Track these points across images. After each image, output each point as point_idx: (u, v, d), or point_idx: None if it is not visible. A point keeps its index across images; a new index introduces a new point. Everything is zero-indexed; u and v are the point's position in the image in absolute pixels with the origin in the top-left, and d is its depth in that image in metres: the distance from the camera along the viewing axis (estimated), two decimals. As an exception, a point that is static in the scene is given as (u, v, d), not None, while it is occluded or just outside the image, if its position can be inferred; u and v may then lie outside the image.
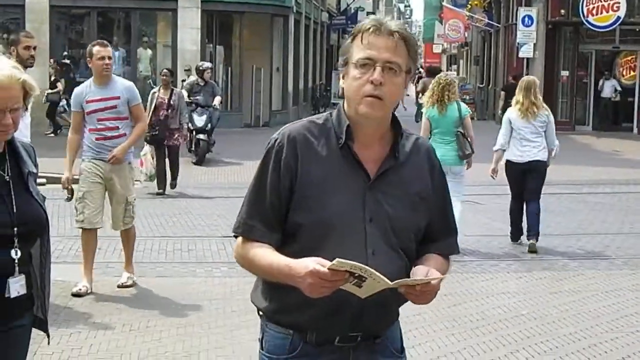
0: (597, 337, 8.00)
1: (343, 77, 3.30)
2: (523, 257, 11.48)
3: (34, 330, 4.16)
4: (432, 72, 27.31)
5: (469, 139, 11.73)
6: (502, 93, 32.07)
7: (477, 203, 16.01)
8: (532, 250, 11.63)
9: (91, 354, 7.29)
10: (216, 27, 32.21)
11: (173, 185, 16.48)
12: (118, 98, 9.15)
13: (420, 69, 43.07)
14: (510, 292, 9.57)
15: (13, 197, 3.86)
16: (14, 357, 4.02)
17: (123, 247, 9.56)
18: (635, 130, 33.63)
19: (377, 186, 3.27)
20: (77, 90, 9.40)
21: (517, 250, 11.88)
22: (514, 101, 12.07)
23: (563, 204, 16.24)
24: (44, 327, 4.15)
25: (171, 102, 16.24)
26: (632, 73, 34.49)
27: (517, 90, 12.06)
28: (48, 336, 4.22)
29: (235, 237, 3.37)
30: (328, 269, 2.97)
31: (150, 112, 15.58)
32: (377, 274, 2.99)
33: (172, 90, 16.64)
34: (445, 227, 3.48)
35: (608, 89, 32.71)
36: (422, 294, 3.14)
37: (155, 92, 16.49)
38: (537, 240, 11.79)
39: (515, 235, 12.29)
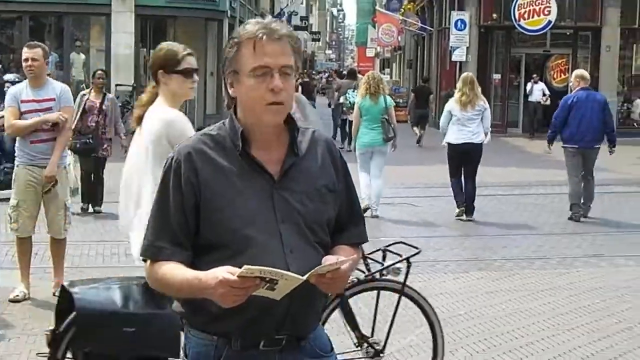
0: (534, 336, 8.12)
1: (231, 85, 3.26)
2: (460, 257, 11.61)
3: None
4: (351, 74, 29.10)
5: (392, 126, 14.27)
6: (412, 95, 32.64)
7: (414, 205, 16.16)
8: (464, 219, 14.23)
9: (31, 359, 7.23)
10: (150, 32, 32.06)
11: (98, 211, 14.36)
12: (53, 100, 9.04)
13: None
14: (447, 292, 9.66)
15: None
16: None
17: (55, 256, 9.32)
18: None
19: (283, 185, 3.26)
20: (12, 89, 9.27)
21: (453, 251, 12.00)
22: (457, 92, 14.29)
23: (496, 205, 16.42)
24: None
25: (103, 107, 14.27)
26: (562, 76, 34.94)
27: (459, 84, 14.38)
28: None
29: (144, 261, 3.32)
30: (237, 276, 2.94)
31: (77, 117, 13.58)
32: (288, 273, 2.98)
33: (105, 94, 14.62)
34: (352, 216, 3.48)
35: (537, 92, 33.08)
36: (332, 281, 3.12)
37: (85, 95, 14.39)
38: (472, 215, 14.21)
39: (460, 203, 14.42)
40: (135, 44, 29.92)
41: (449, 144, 14.24)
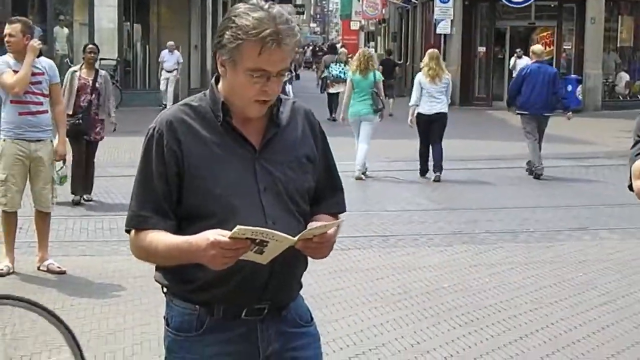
0: (518, 309, 8.16)
1: (222, 65, 3.24)
2: (443, 231, 11.65)
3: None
4: (331, 48, 32.57)
5: (380, 97, 15.92)
6: (380, 67, 32.89)
7: (397, 179, 16.20)
8: (437, 180, 15.60)
9: (14, 333, 7.23)
10: (133, 5, 31.89)
11: (88, 198, 13.11)
12: (43, 74, 9.04)
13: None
14: (431, 265, 9.70)
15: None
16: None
17: (39, 230, 9.27)
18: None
19: (264, 156, 3.29)
20: (0, 58, 9.19)
21: (436, 225, 12.04)
22: (423, 67, 15.99)
23: (481, 178, 16.46)
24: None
25: (96, 85, 12.91)
26: (548, 49, 34.95)
27: (425, 60, 16.06)
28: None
29: (128, 231, 3.34)
30: (229, 237, 2.98)
31: (70, 96, 12.55)
32: (279, 233, 3.02)
33: (97, 71, 13.20)
34: (331, 186, 3.51)
35: (520, 67, 33.09)
36: (319, 246, 3.16)
37: (75, 72, 12.98)
38: (440, 173, 15.65)
39: (423, 171, 16.10)
40: (119, 17, 29.76)
41: (420, 113, 15.88)
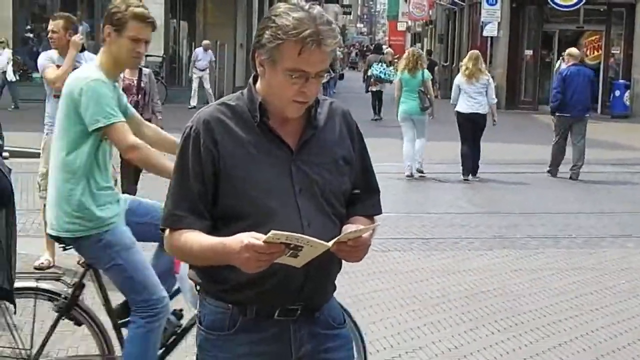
0: (558, 315, 8.07)
1: (261, 65, 3.22)
2: (484, 235, 11.56)
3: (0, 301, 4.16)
4: (377, 48, 32.58)
5: (428, 97, 16.20)
6: None
7: (441, 182, 16.14)
8: (467, 180, 16.03)
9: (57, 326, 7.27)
10: (180, 2, 32.07)
11: (133, 191, 12.30)
12: None
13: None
14: (471, 269, 9.63)
15: (-23, 167, 3.85)
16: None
17: None
18: (599, 110, 33.71)
19: (301, 157, 3.26)
20: (45, 53, 9.25)
21: (478, 228, 11.96)
22: (462, 67, 16.50)
23: (524, 182, 16.35)
24: (10, 297, 4.15)
25: (142, 85, 12.29)
26: (596, 53, 34.68)
27: (464, 60, 16.68)
28: (15, 306, 4.22)
29: (163, 230, 3.32)
30: (264, 241, 2.95)
31: None
32: (313, 239, 2.99)
33: (141, 70, 12.43)
34: (368, 188, 3.48)
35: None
36: (354, 250, 3.13)
37: None
38: (476, 174, 16.16)
39: (466, 171, 16.16)
40: (166, 14, 29.90)
41: (458, 112, 16.25)
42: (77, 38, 9.02)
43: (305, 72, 3.14)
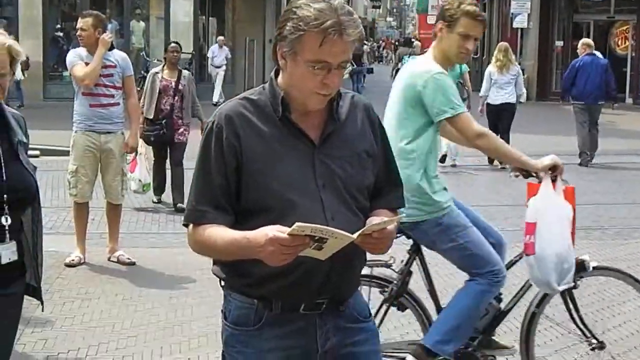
0: (588, 307, 8.01)
1: (282, 57, 3.22)
2: (515, 227, 11.48)
3: (28, 298, 4.18)
4: (406, 42, 34.01)
5: (466, 88, 16.40)
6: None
7: (472, 174, 16.09)
8: (503, 167, 15.48)
9: (84, 323, 7.32)
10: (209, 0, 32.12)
11: (178, 208, 11.64)
12: (115, 67, 9.13)
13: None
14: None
15: (3, 165, 3.87)
16: (6, 323, 4.03)
17: (110, 222, 9.41)
18: (630, 100, 33.49)
19: (323, 151, 3.26)
20: (74, 50, 9.33)
21: (508, 221, 11.90)
22: (493, 59, 17.07)
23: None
24: (37, 294, 4.17)
25: (179, 87, 11.98)
26: (626, 43, 34.44)
27: (495, 52, 17.16)
28: (42, 303, 4.24)
29: (186, 226, 3.32)
30: (288, 234, 2.95)
31: (151, 99, 11.89)
32: (338, 231, 2.98)
33: (180, 71, 12.24)
34: (391, 181, 3.48)
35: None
36: (378, 241, 3.13)
37: (157, 73, 12.09)
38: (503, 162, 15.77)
39: (491, 159, 16.29)
40: (195, 11, 29.99)
41: (488, 104, 16.88)
42: (106, 36, 9.07)
43: (328, 62, 3.13)
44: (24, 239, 4.02)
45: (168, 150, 12.17)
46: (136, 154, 11.08)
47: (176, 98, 11.94)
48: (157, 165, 12.39)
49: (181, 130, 11.94)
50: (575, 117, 17.67)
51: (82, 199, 9.15)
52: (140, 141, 11.25)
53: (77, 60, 9.08)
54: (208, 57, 29.53)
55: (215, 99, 27.82)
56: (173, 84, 11.96)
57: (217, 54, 29.03)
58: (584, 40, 18.84)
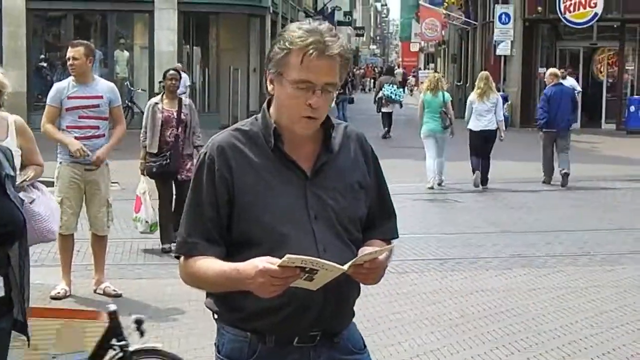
0: (578, 334, 8.01)
1: (271, 82, 3.23)
2: (502, 254, 11.50)
3: (15, 333, 4.13)
4: (389, 70, 33.85)
5: (449, 116, 17.42)
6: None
7: (457, 201, 16.09)
8: (477, 186, 17.22)
9: (70, 357, 7.25)
10: (193, 28, 32.15)
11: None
12: (101, 97, 9.07)
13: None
14: (489, 289, 9.57)
15: (-11, 199, 3.84)
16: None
17: (96, 253, 9.31)
18: (613, 127, 33.51)
19: (316, 182, 3.24)
20: (58, 85, 9.27)
21: (495, 248, 11.90)
22: (475, 87, 17.96)
23: (542, 200, 16.30)
24: (24, 330, 4.13)
25: (182, 117, 11.14)
26: (610, 70, 34.58)
27: (477, 82, 17.94)
28: (28, 339, 4.20)
29: (177, 257, 3.30)
30: (279, 265, 2.93)
31: (153, 133, 11.01)
32: (329, 262, 2.96)
33: (181, 100, 11.40)
34: (384, 212, 3.46)
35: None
36: (370, 272, 3.10)
37: (157, 104, 11.19)
38: (486, 184, 17.35)
39: (475, 170, 17.36)
40: (179, 40, 30.01)
41: (470, 130, 17.52)
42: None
43: (311, 83, 3.12)
44: (11, 273, 3.97)
45: (173, 186, 11.27)
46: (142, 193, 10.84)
47: (179, 129, 11.09)
48: (161, 202, 11.34)
49: (188, 166, 10.90)
50: (542, 143, 18.27)
51: (67, 231, 9.08)
52: (143, 178, 11.00)
53: (52, 102, 9.05)
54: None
55: None
56: (175, 114, 11.14)
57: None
58: (552, 70, 19.64)
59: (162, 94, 11.44)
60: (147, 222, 11.01)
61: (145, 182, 11.06)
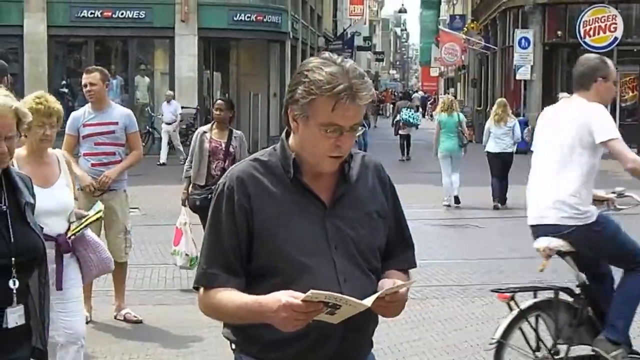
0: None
1: (294, 120, 3.19)
2: (524, 280, 11.41)
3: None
4: (405, 95, 36.96)
5: (465, 135, 18.76)
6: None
7: (478, 227, 16.02)
8: (496, 208, 17.84)
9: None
10: (213, 54, 32.33)
11: None
12: (116, 124, 9.10)
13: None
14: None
15: (10, 227, 3.84)
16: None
17: (115, 279, 9.29)
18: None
19: (335, 213, 3.23)
20: (75, 113, 9.33)
21: (517, 274, 11.83)
22: (492, 112, 18.80)
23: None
24: (43, 358, 4.11)
25: (230, 150, 10.52)
26: (631, 94, 34.49)
27: (495, 106, 19.00)
28: (47, 367, 4.18)
29: (197, 289, 3.29)
30: (302, 300, 2.91)
31: (200, 164, 10.48)
32: (352, 299, 2.95)
33: (231, 131, 10.72)
34: (402, 242, 3.45)
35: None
36: (390, 305, 3.10)
37: (205, 133, 10.63)
38: (505, 204, 18.00)
39: (495, 198, 18.02)
40: (199, 66, 30.15)
41: (488, 152, 18.43)
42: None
43: (340, 126, 3.11)
44: (31, 301, 3.97)
45: None
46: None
47: (227, 162, 10.35)
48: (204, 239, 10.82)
49: None
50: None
51: (86, 257, 9.06)
52: (184, 210, 10.63)
53: (69, 130, 9.11)
54: (155, 116, 28.53)
55: (162, 159, 25.97)
56: (223, 145, 10.52)
57: (165, 109, 27.22)
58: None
59: (212, 123, 10.95)
60: (187, 255, 10.43)
61: (185, 214, 10.58)
